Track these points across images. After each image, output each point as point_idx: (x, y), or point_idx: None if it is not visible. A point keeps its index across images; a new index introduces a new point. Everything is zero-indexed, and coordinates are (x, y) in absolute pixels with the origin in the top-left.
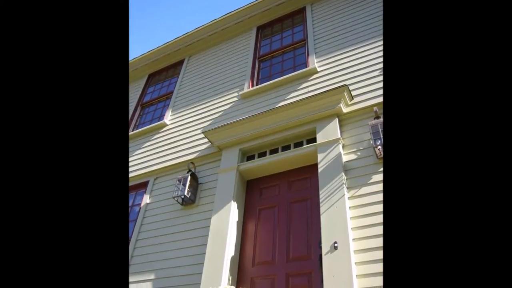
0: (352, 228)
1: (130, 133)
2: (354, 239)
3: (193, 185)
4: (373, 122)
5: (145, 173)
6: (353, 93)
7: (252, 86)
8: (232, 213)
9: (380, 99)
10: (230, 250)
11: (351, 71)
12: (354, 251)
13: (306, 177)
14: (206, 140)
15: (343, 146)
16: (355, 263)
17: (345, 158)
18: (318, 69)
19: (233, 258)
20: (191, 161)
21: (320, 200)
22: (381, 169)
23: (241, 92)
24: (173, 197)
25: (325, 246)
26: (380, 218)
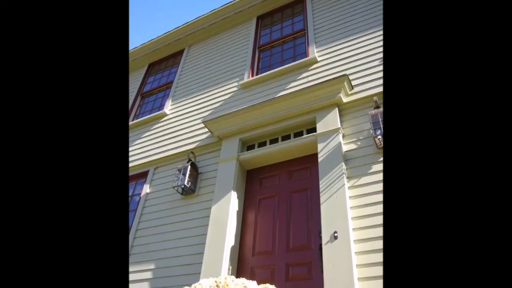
0: (352, 217)
1: (130, 122)
2: (354, 228)
3: (193, 175)
4: (373, 111)
5: (145, 162)
6: (353, 82)
7: (252, 76)
8: (232, 202)
9: (380, 89)
10: (230, 240)
11: (351, 60)
12: (354, 240)
13: (306, 167)
14: (206, 130)
15: (343, 136)
16: (355, 252)
17: (345, 148)
18: (318, 59)
19: (233, 248)
20: (191, 151)
21: (320, 190)
22: (381, 158)
23: (241, 82)
24: (173, 187)
25: (325, 236)
26: (380, 208)
